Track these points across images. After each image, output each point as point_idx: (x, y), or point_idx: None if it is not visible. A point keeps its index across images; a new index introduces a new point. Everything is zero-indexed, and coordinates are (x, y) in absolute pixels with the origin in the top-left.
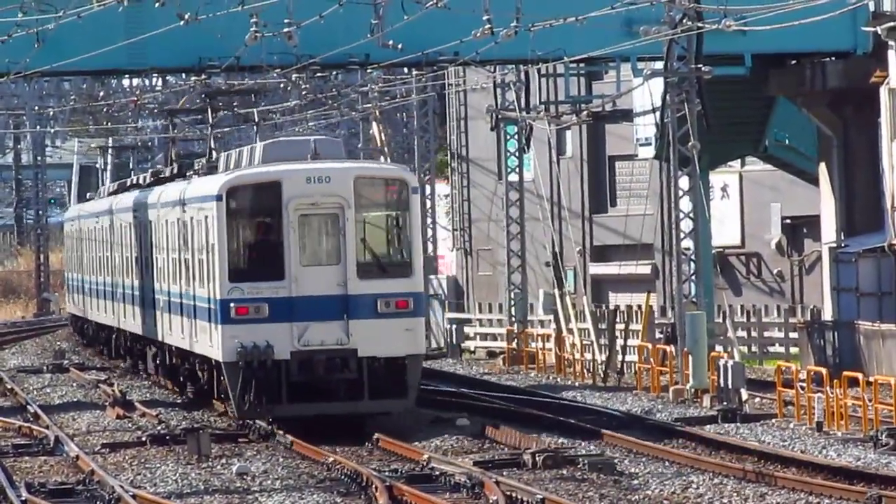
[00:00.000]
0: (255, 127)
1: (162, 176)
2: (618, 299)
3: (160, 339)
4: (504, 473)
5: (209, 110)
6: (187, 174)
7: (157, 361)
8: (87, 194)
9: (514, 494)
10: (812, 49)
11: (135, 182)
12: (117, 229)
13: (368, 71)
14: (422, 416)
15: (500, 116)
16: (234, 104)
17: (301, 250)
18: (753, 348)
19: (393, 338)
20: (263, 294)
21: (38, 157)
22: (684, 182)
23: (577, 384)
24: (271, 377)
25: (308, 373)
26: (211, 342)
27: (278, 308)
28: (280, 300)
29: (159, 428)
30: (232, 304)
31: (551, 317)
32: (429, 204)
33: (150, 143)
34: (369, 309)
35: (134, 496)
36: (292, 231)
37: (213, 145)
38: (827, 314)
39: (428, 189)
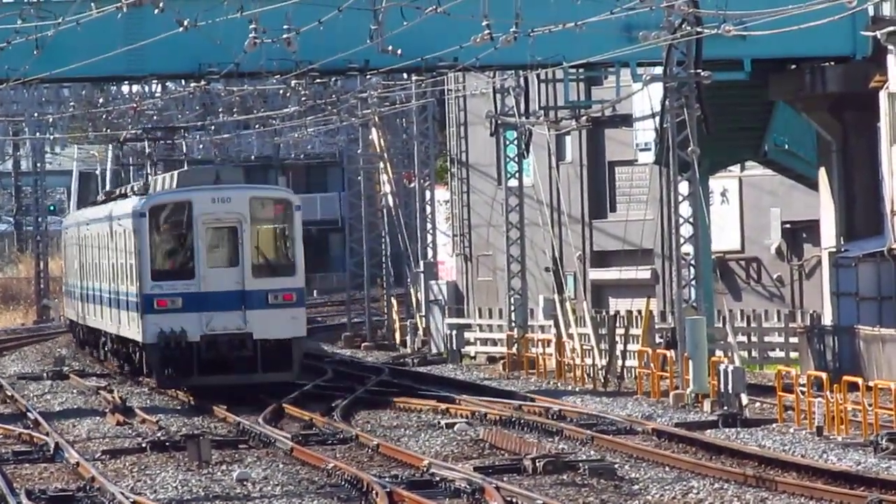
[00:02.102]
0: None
1: (113, 194)
2: (618, 304)
3: (106, 329)
4: (504, 479)
5: (148, 142)
6: (128, 193)
7: (106, 348)
8: (104, 191)
9: (514, 500)
10: (811, 54)
11: (100, 199)
12: (84, 238)
13: (368, 77)
14: (423, 421)
15: (499, 122)
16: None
17: (208, 255)
18: (753, 353)
19: (281, 324)
20: (178, 290)
21: (38, 164)
22: (684, 187)
23: (577, 389)
24: (185, 355)
25: (214, 352)
26: (138, 328)
27: (190, 301)
28: (191, 294)
29: (159, 434)
30: (153, 298)
31: (551, 322)
32: (428, 209)
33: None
34: (262, 301)
35: (134, 503)
36: (201, 240)
37: (150, 171)
38: (827, 319)
39: (427, 195)
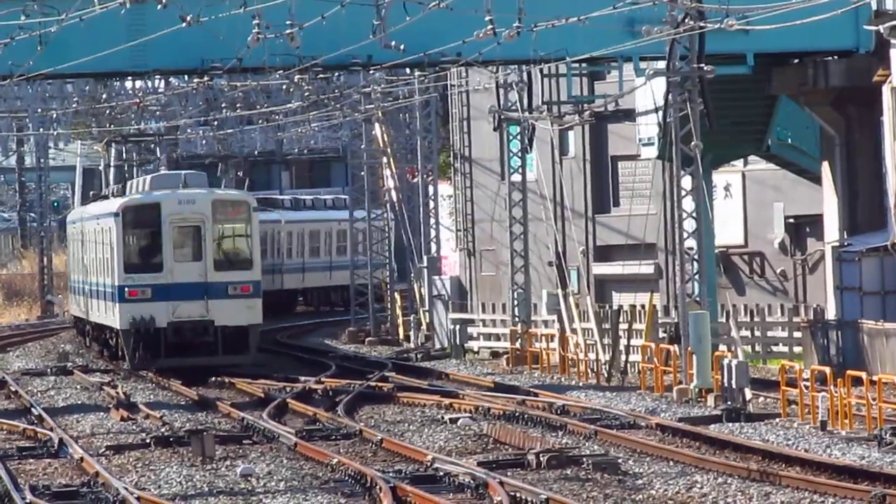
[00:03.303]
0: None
1: (99, 195)
2: (621, 299)
3: (89, 318)
4: (508, 474)
5: (118, 149)
6: (108, 195)
7: (90, 336)
8: (91, 193)
9: (518, 495)
10: (814, 48)
11: (90, 197)
12: (77, 235)
13: (371, 72)
14: (426, 416)
15: (502, 117)
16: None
17: (174, 251)
18: (757, 347)
19: (239, 312)
20: (148, 282)
21: (41, 160)
22: (687, 182)
23: (580, 384)
24: (154, 340)
25: (180, 337)
26: (114, 316)
27: (159, 291)
28: (160, 286)
29: (163, 430)
30: (126, 289)
31: (555, 317)
32: (432, 205)
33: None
34: (222, 292)
35: (138, 498)
36: (168, 237)
37: (126, 175)
38: (830, 313)
39: (431, 190)
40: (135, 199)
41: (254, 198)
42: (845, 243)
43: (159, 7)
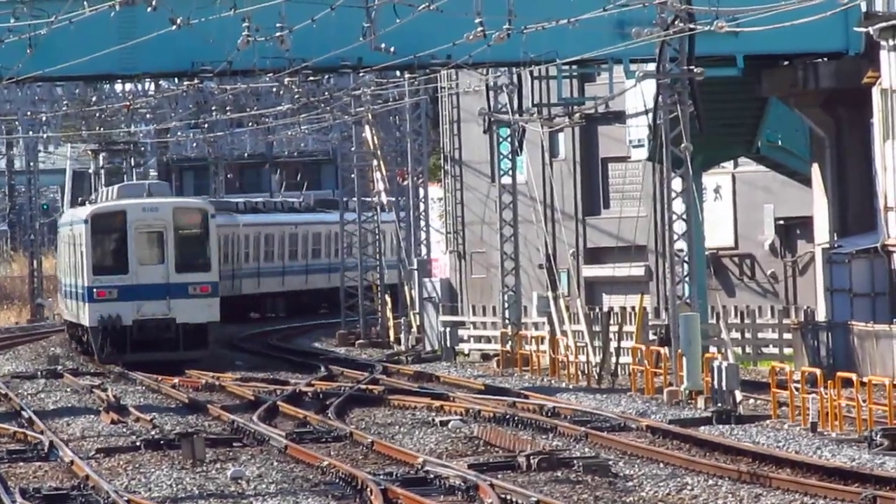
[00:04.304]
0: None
1: (87, 199)
2: (611, 301)
3: (65, 317)
4: (499, 476)
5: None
6: (84, 203)
7: (67, 333)
8: (80, 199)
9: (508, 497)
10: (804, 50)
11: (79, 202)
12: (65, 239)
13: (361, 74)
14: (417, 419)
15: (492, 119)
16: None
17: (139, 254)
18: (747, 349)
19: (198, 310)
20: (115, 283)
21: (31, 163)
22: (677, 183)
23: (571, 386)
24: (120, 336)
25: (144, 333)
26: (84, 314)
27: (125, 292)
28: (126, 287)
29: (154, 433)
30: (95, 289)
31: (545, 319)
32: (422, 207)
33: (142, 148)
34: (183, 292)
35: (128, 501)
36: (133, 242)
37: (103, 182)
38: (821, 315)
39: (421, 192)
40: (102, 207)
41: (212, 205)
42: (835, 245)
43: (149, 10)
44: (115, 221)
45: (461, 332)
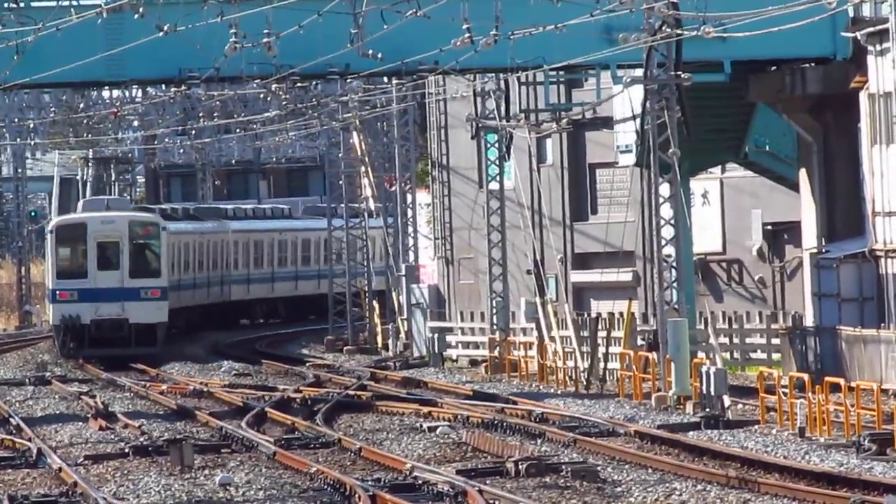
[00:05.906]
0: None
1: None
2: (599, 307)
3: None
4: (487, 482)
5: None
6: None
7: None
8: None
9: (497, 503)
10: (792, 55)
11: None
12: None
13: (348, 81)
14: (405, 425)
15: (480, 125)
16: (215, 115)
17: (97, 261)
18: (735, 354)
19: (149, 312)
20: (75, 286)
21: (19, 170)
22: (665, 189)
23: (559, 392)
24: (80, 334)
25: (101, 331)
26: (48, 314)
27: (84, 294)
28: (85, 290)
29: (142, 439)
30: (58, 292)
31: (533, 325)
32: (410, 213)
33: (129, 155)
34: (136, 295)
35: None
36: (92, 251)
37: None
38: (808, 320)
39: (409, 198)
40: (66, 219)
41: (162, 217)
42: (823, 250)
43: (136, 17)
44: (77, 232)
45: (449, 337)
